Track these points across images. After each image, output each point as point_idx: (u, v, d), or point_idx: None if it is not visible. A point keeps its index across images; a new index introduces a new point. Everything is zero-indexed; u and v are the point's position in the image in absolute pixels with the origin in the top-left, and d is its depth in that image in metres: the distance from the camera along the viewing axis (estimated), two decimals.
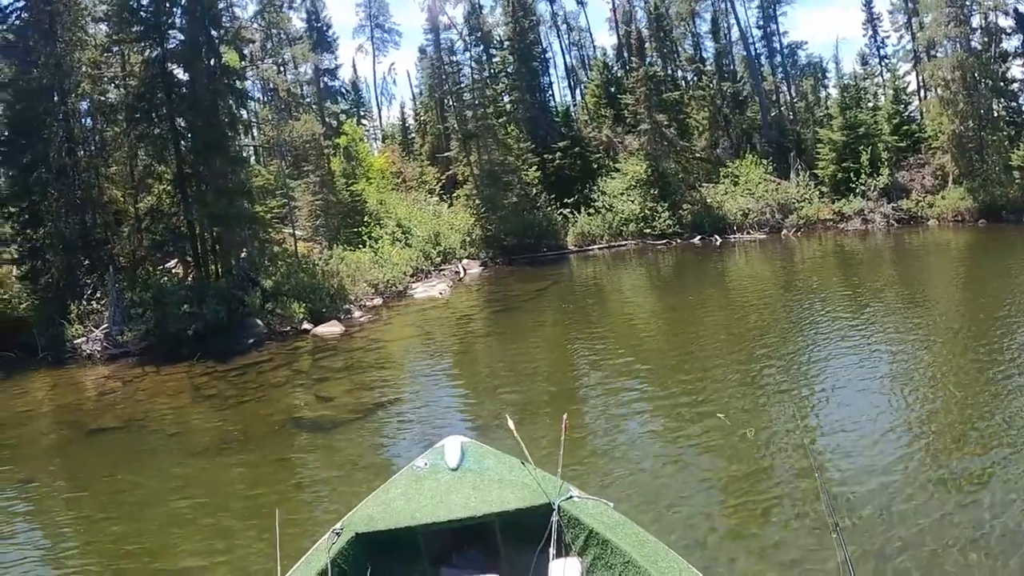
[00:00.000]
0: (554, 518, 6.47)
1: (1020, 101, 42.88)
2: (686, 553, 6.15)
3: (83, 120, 29.65)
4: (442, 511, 6.62)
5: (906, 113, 44.35)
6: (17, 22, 26.57)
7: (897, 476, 9.77)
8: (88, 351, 23.13)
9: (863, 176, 40.27)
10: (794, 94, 51.99)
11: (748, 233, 40.61)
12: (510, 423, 8.14)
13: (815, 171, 42.82)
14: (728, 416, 12.34)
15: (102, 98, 29.11)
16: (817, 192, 41.89)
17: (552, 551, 6.27)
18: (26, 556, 9.90)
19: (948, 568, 7.64)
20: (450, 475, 7.07)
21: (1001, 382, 13.19)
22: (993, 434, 10.87)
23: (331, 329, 24.08)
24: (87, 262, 26.17)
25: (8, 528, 10.97)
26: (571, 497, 6.65)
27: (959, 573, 7.55)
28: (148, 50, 26.68)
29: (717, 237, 40.29)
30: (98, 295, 24.55)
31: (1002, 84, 41.69)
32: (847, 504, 9.05)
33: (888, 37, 50.07)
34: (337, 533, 6.39)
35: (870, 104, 45.29)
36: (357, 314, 26.55)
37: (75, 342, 23.40)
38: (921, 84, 47.04)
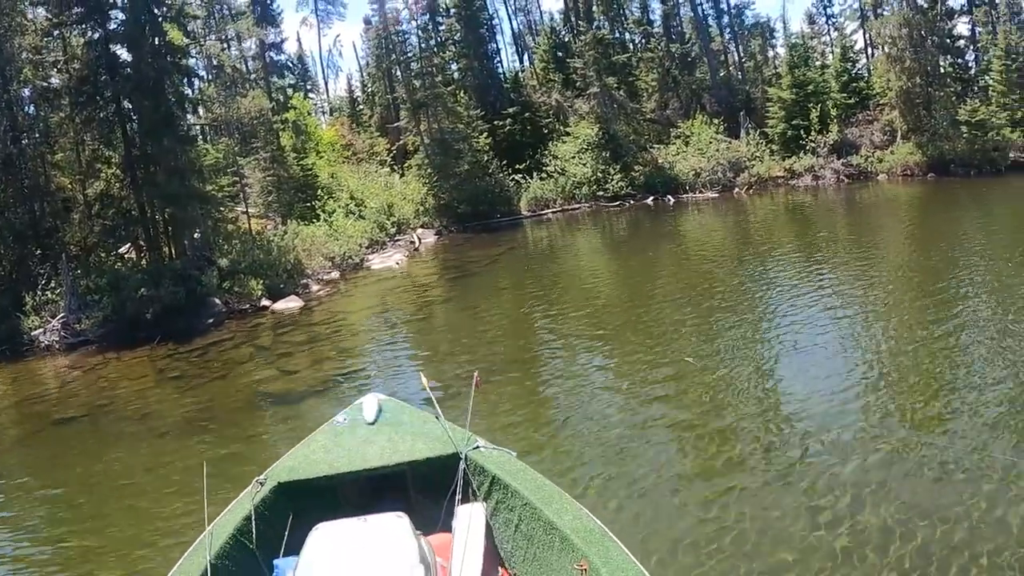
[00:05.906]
0: (461, 466, 6.91)
1: (966, 57, 43.94)
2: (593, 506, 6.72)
3: (27, 107, 29.17)
4: (358, 461, 7.04)
5: (854, 71, 45.06)
6: None
7: (842, 411, 10.42)
8: (46, 342, 22.89)
9: (813, 133, 40.99)
10: (742, 54, 52.40)
11: (700, 192, 41.06)
12: (424, 380, 8.63)
13: (765, 130, 43.37)
14: (697, 358, 12.96)
15: (45, 83, 28.49)
16: (768, 150, 42.43)
17: (459, 497, 6.71)
18: None
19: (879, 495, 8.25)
20: (367, 429, 7.48)
21: (945, 331, 13.79)
22: (931, 375, 11.59)
23: (290, 304, 24.19)
24: (39, 252, 25.91)
25: None
26: (477, 447, 7.09)
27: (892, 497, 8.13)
28: (90, 32, 26.27)
29: (670, 197, 40.73)
30: (52, 285, 24.27)
31: (948, 41, 42.58)
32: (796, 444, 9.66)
33: None
34: (260, 483, 6.79)
35: (818, 63, 45.90)
36: (315, 288, 26.66)
37: (32, 334, 23.15)
38: (868, 42, 47.74)
